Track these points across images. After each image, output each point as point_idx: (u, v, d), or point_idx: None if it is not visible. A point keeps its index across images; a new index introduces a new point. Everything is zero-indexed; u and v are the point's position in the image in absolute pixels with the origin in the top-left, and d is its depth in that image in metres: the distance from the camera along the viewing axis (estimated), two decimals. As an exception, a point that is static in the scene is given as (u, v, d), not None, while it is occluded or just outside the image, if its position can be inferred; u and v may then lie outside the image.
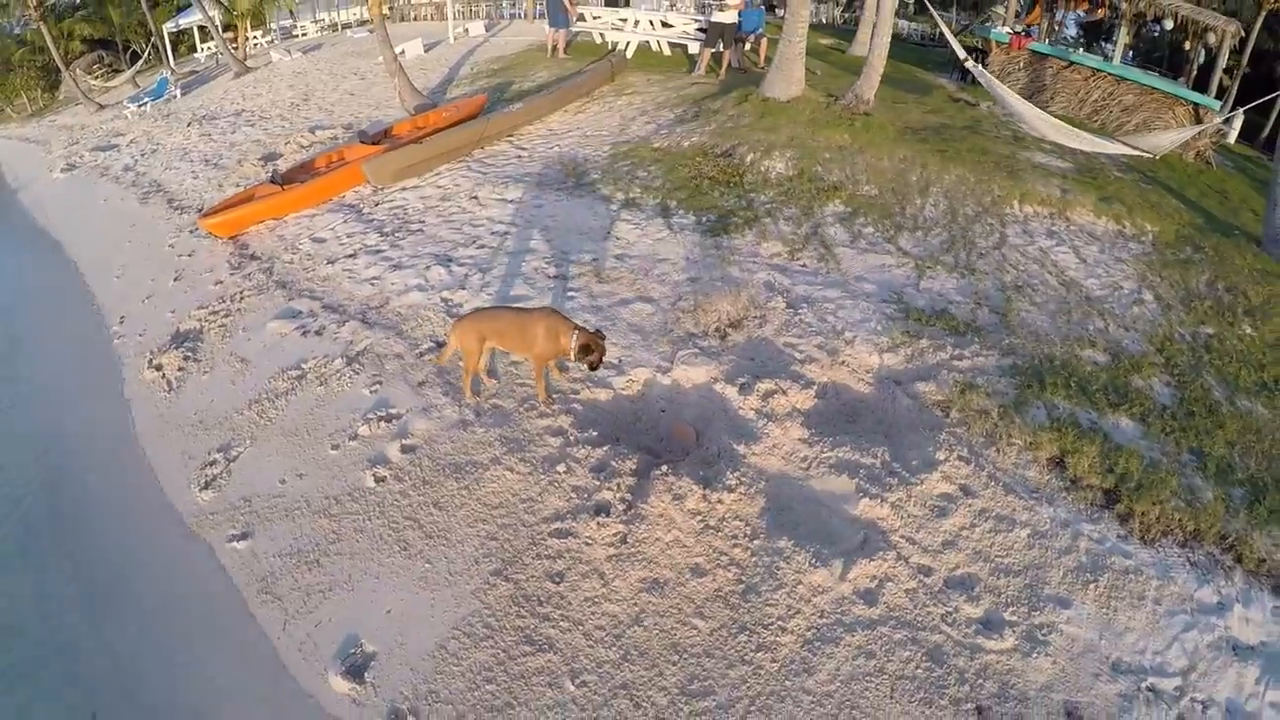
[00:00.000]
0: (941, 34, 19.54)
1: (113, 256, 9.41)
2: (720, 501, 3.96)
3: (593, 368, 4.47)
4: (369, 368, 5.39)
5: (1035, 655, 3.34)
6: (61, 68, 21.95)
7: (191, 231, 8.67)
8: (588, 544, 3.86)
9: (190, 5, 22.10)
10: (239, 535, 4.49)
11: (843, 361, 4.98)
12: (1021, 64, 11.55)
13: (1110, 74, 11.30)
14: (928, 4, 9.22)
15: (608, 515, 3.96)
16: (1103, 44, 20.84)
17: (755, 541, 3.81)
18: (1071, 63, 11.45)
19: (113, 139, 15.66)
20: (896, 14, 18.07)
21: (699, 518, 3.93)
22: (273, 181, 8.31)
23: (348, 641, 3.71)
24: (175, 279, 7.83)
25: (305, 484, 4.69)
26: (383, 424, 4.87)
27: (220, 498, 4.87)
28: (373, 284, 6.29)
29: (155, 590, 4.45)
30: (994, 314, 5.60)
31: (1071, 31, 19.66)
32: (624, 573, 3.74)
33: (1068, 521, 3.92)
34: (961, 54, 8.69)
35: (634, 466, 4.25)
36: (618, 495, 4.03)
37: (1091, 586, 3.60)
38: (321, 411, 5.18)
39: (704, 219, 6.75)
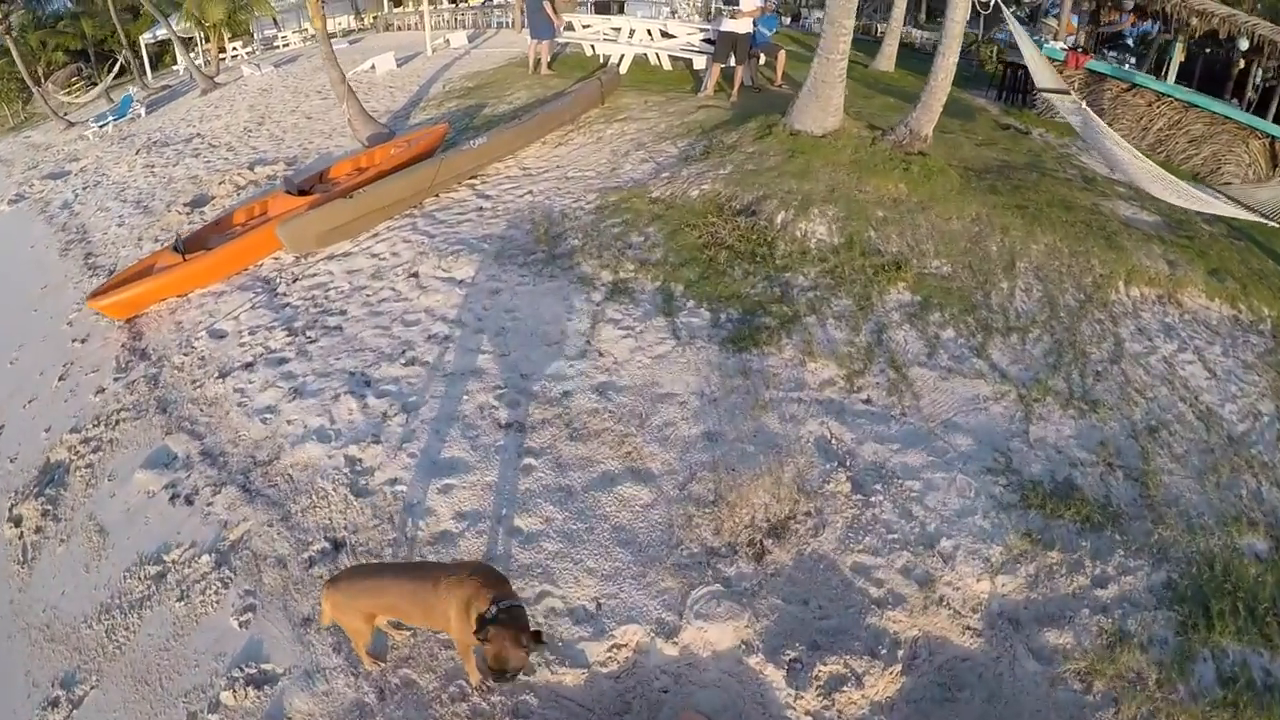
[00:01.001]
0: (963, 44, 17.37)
1: (15, 331, 7.48)
2: None
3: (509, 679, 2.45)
4: (242, 577, 3.48)
5: None
6: (30, 84, 19.73)
7: (92, 303, 6.73)
8: None
9: (167, 16, 19.89)
10: None
11: (940, 596, 3.05)
12: (1077, 85, 9.47)
13: (1178, 99, 9.25)
14: (1010, 19, 7.00)
15: None
16: (1105, 51, 18.67)
17: None
18: (1134, 85, 9.40)
19: (67, 164, 13.66)
20: (907, 21, 15.86)
21: None
22: (175, 249, 6.30)
23: None
24: (61, 378, 5.91)
25: (151, 779, 2.87)
26: (251, 691, 3.00)
27: (58, 765, 3.09)
28: (265, 420, 4.34)
29: None
30: (1131, 480, 3.72)
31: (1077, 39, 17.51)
32: None
33: None
34: (1058, 84, 6.49)
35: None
36: None
37: None
38: (179, 648, 3.32)
39: (723, 317, 4.75)
